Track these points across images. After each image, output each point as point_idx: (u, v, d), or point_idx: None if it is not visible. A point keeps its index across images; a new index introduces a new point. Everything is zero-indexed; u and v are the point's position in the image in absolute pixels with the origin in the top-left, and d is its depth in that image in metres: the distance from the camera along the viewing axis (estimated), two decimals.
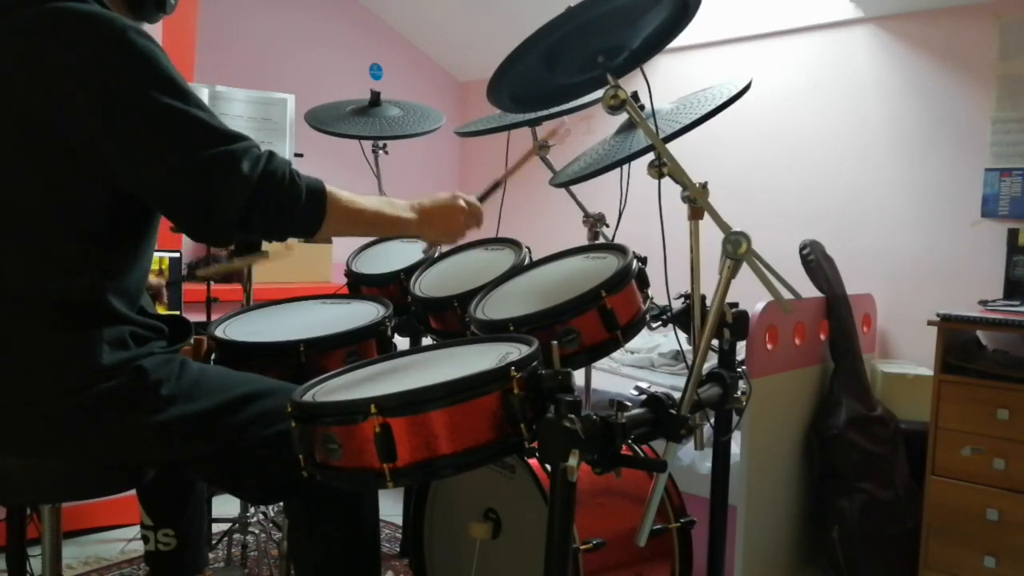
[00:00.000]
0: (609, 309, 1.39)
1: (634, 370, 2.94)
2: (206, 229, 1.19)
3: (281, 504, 2.14)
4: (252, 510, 2.29)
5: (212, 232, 1.19)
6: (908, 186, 2.92)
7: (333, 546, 1.35)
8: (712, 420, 1.58)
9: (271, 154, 1.20)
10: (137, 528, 1.64)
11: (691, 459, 2.29)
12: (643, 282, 1.52)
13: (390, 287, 1.92)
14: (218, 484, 1.40)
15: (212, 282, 2.41)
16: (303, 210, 1.22)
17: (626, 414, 1.13)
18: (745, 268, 1.21)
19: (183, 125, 1.15)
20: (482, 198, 1.60)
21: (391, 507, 2.57)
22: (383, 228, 1.39)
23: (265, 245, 2.05)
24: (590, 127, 3.71)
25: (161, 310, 1.64)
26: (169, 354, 1.28)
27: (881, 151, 2.99)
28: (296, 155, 2.89)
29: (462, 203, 1.47)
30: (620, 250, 1.56)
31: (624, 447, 1.13)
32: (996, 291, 2.62)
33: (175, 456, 1.27)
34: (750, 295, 1.56)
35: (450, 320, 1.65)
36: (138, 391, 1.20)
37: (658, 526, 1.52)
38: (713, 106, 1.50)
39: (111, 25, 1.14)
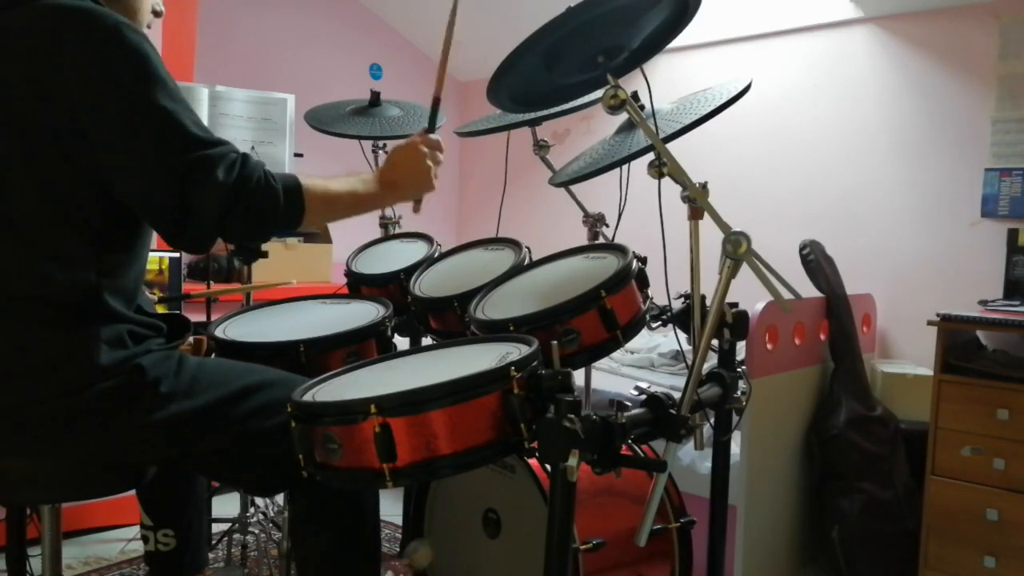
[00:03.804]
0: (609, 309, 1.39)
1: (634, 370, 2.94)
2: (184, 236, 1.19)
3: (281, 504, 2.15)
4: (252, 510, 2.29)
5: (189, 239, 1.19)
6: (908, 186, 2.92)
7: (334, 539, 1.35)
8: (712, 420, 1.58)
9: (245, 157, 1.20)
10: (137, 528, 1.64)
11: (691, 459, 2.29)
12: (643, 282, 1.52)
13: (390, 287, 1.92)
14: (218, 477, 1.40)
15: (212, 281, 2.41)
16: (283, 210, 1.23)
17: (626, 414, 1.13)
18: (745, 268, 1.21)
19: (165, 127, 1.14)
20: (431, 128, 1.56)
21: (391, 507, 2.56)
22: (360, 208, 1.38)
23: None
24: (590, 127, 3.71)
25: (160, 310, 1.64)
26: (167, 351, 1.28)
27: (881, 151, 2.99)
28: (296, 155, 2.90)
29: (419, 147, 1.45)
30: (620, 250, 1.56)
31: (624, 447, 1.13)
32: (996, 291, 2.62)
33: (176, 453, 1.27)
34: (750, 295, 1.56)
35: (450, 320, 1.65)
36: (137, 389, 1.20)
37: (658, 526, 1.52)
38: (713, 107, 1.50)
39: (103, 21, 1.14)
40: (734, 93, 1.52)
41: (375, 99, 2.40)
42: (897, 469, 2.37)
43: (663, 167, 1.36)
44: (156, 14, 1.36)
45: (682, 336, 1.59)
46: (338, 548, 1.35)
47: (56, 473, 1.26)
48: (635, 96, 1.49)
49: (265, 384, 1.31)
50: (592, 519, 1.47)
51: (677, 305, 1.58)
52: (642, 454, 1.57)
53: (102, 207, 1.19)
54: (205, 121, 1.46)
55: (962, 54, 2.80)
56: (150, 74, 1.14)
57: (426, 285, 1.79)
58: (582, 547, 1.37)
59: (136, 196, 1.18)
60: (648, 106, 1.56)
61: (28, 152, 1.15)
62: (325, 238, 3.50)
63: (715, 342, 1.51)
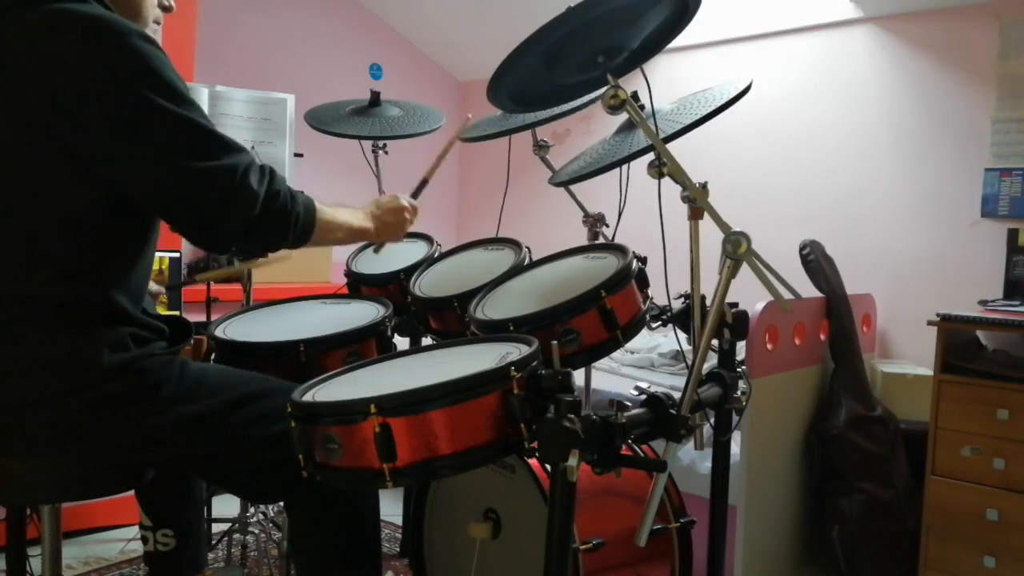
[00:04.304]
0: (609, 309, 1.39)
1: (634, 370, 2.94)
2: (212, 238, 1.22)
3: (281, 504, 2.14)
4: (252, 510, 2.29)
5: (217, 241, 1.23)
6: (908, 186, 2.92)
7: (334, 546, 1.35)
8: (712, 420, 1.58)
9: (272, 170, 1.24)
10: (137, 528, 1.64)
11: (691, 459, 2.29)
12: (643, 282, 1.52)
13: (390, 287, 1.92)
14: (218, 483, 1.40)
15: (212, 282, 2.41)
16: (301, 228, 1.28)
17: (626, 414, 1.13)
18: (745, 268, 1.21)
19: (189, 132, 1.15)
20: (415, 195, 1.77)
21: (391, 507, 2.57)
22: (348, 239, 1.50)
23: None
24: (590, 127, 3.71)
25: (161, 311, 1.64)
26: (170, 355, 1.28)
27: (881, 151, 2.99)
28: (296, 155, 2.89)
29: (405, 203, 1.62)
30: (620, 250, 1.56)
31: (624, 447, 1.13)
32: (996, 291, 2.62)
33: (176, 456, 1.27)
34: (750, 295, 1.56)
35: (450, 320, 1.65)
36: (139, 392, 1.20)
37: (658, 526, 1.53)
38: (713, 107, 1.50)
39: (115, 28, 1.13)
40: (734, 94, 1.52)
41: (375, 99, 2.40)
42: (897, 469, 2.37)
43: (663, 167, 1.36)
44: (164, 8, 1.35)
45: (682, 336, 1.59)
46: (338, 553, 1.35)
47: (56, 473, 1.26)
48: (635, 96, 1.49)
49: (267, 392, 1.31)
50: (592, 519, 1.47)
51: (677, 305, 1.58)
52: (642, 454, 1.57)
53: (107, 210, 1.19)
54: None
55: (962, 54, 2.80)
56: (162, 81, 1.14)
57: (426, 285, 1.79)
58: (582, 547, 1.37)
59: (160, 199, 1.19)
60: (648, 106, 1.56)
61: (33, 155, 1.15)
62: None
63: (715, 342, 1.51)
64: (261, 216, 1.20)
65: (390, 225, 1.58)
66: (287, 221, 1.26)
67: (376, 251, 1.78)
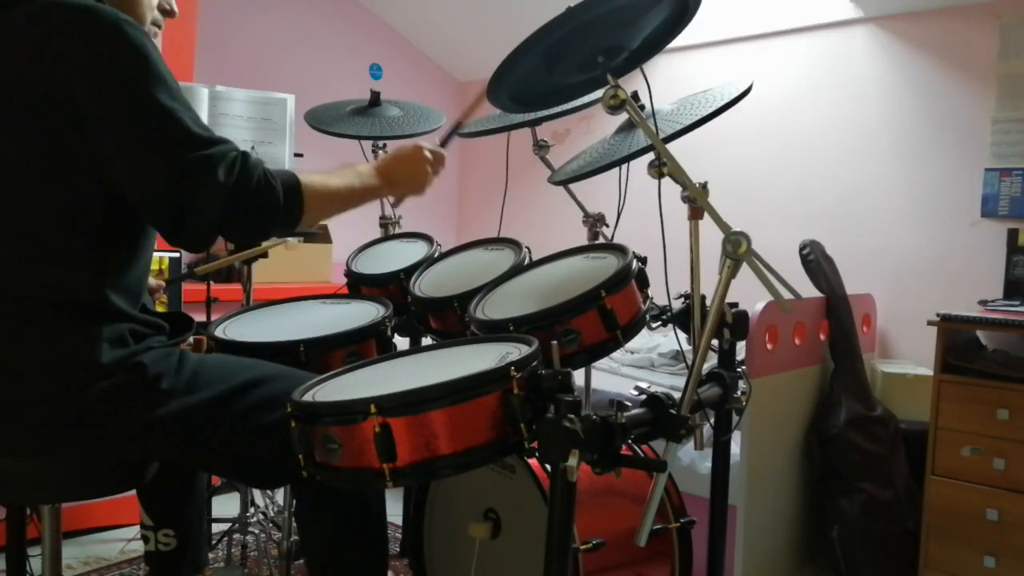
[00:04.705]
0: (609, 309, 1.39)
1: (634, 370, 2.94)
2: (181, 234, 1.19)
3: (281, 503, 2.14)
4: (252, 510, 2.29)
5: (187, 237, 1.19)
6: (908, 186, 2.92)
7: (340, 529, 1.35)
8: (712, 420, 1.58)
9: (245, 156, 1.20)
10: (137, 528, 1.64)
11: (691, 459, 2.29)
12: (643, 282, 1.52)
13: (390, 287, 1.92)
14: (220, 472, 1.39)
15: (212, 281, 2.41)
16: (283, 209, 1.23)
17: (626, 414, 1.13)
18: (745, 268, 1.21)
19: (166, 125, 1.15)
20: (443, 143, 1.60)
21: (391, 507, 2.55)
22: (356, 202, 1.39)
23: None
24: (590, 127, 3.71)
25: (160, 310, 1.64)
26: (168, 348, 1.28)
27: (881, 151, 2.99)
28: (296, 155, 2.90)
29: (425, 152, 1.49)
30: (620, 250, 1.56)
31: (624, 447, 1.13)
32: (996, 291, 2.62)
33: (177, 449, 1.27)
34: (750, 295, 1.56)
35: (450, 320, 1.65)
36: (137, 387, 1.20)
37: (658, 526, 1.53)
38: (713, 108, 1.50)
39: (106, 19, 1.14)
40: (734, 95, 1.52)
41: (375, 99, 2.40)
42: (897, 469, 2.37)
43: (663, 167, 1.36)
44: (165, 12, 1.35)
45: (682, 336, 1.59)
46: (344, 539, 1.35)
47: (56, 473, 1.25)
48: (635, 96, 1.49)
49: (266, 379, 1.31)
50: (592, 519, 1.47)
51: (677, 305, 1.58)
52: (642, 454, 1.57)
53: (104, 205, 1.19)
54: (205, 121, 1.47)
55: (962, 54, 2.80)
56: (150, 72, 1.14)
57: (426, 285, 1.79)
58: (582, 547, 1.37)
59: (136, 193, 1.18)
60: (648, 106, 1.56)
61: (30, 150, 1.15)
62: (325, 238, 3.50)
63: (715, 342, 1.51)
64: (232, 207, 1.16)
65: (400, 179, 1.45)
66: (264, 206, 1.20)
67: (394, 205, 1.66)
